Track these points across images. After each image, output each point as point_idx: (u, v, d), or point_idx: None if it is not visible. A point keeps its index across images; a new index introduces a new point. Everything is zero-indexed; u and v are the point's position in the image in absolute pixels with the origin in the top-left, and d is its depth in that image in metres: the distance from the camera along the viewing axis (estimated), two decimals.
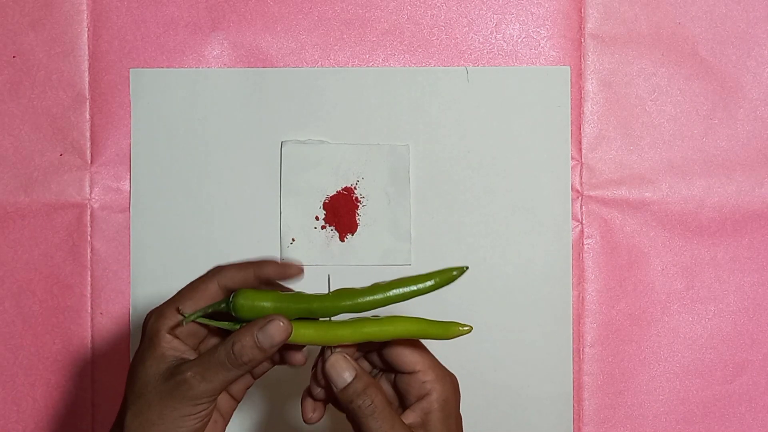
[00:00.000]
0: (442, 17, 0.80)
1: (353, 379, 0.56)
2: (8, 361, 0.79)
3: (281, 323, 0.55)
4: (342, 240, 0.79)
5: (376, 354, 0.60)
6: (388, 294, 0.57)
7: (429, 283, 0.57)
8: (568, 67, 0.80)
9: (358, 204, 0.80)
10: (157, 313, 0.57)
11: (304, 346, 0.58)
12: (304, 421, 0.59)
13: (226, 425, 0.59)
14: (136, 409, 0.55)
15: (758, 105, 0.80)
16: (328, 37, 0.80)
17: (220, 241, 0.79)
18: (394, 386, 0.60)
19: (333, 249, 0.79)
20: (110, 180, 0.80)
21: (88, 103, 0.80)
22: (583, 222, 0.80)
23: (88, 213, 0.80)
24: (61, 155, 0.80)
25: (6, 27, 0.80)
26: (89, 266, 0.80)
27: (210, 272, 0.59)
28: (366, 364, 0.60)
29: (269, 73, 0.80)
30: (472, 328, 0.58)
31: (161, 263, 0.79)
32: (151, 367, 0.56)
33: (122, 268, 0.80)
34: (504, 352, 0.79)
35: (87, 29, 0.80)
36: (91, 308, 0.79)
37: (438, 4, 0.80)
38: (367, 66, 0.80)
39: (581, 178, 0.80)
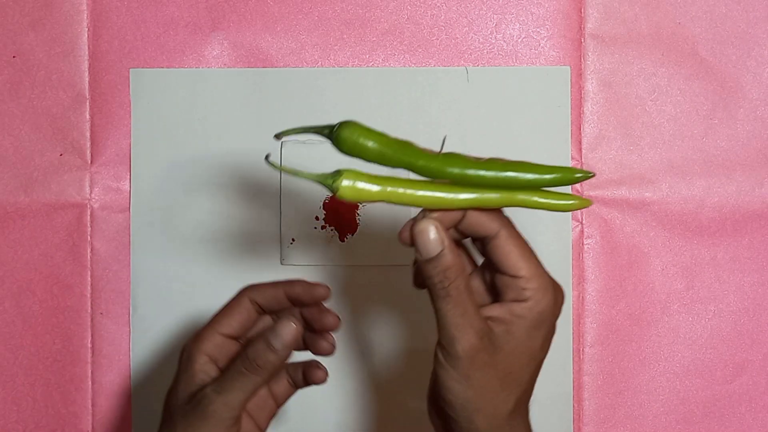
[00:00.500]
0: (442, 17, 0.80)
1: (437, 254, 0.52)
2: (8, 361, 0.79)
3: (291, 324, 0.54)
4: (342, 240, 0.79)
5: (478, 247, 0.55)
6: (501, 174, 0.52)
7: (549, 177, 0.53)
8: (568, 67, 0.80)
9: (358, 204, 0.80)
10: (194, 337, 0.57)
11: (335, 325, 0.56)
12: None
13: None
14: (165, 430, 0.56)
15: (758, 105, 0.80)
16: (328, 37, 0.80)
17: (221, 241, 0.79)
18: (492, 280, 0.55)
19: (333, 249, 0.79)
20: (110, 180, 0.80)
21: (88, 103, 0.80)
22: (583, 222, 0.80)
23: (88, 213, 0.80)
24: (61, 155, 0.80)
25: (6, 27, 0.80)
26: (89, 266, 0.80)
27: (241, 292, 0.59)
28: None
29: (269, 73, 0.80)
30: (592, 202, 0.54)
31: (161, 263, 0.79)
32: (183, 391, 0.56)
33: (122, 268, 0.80)
34: None
35: (87, 29, 0.80)
36: (91, 308, 0.79)
37: (438, 4, 0.80)
38: (367, 66, 0.80)
39: None
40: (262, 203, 0.80)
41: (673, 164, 0.80)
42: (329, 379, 0.59)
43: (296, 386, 0.61)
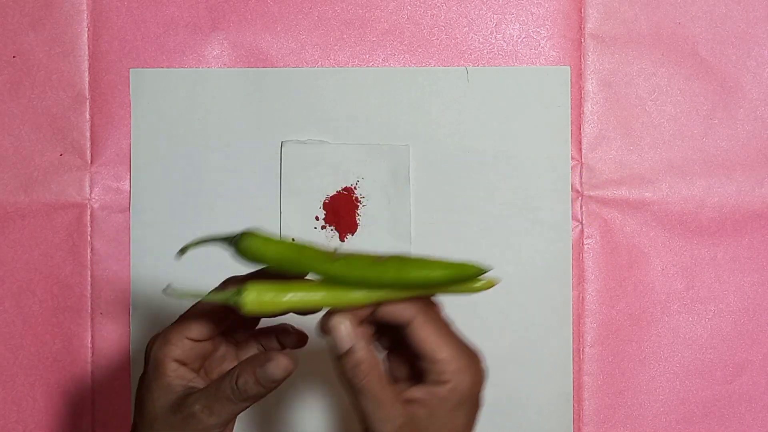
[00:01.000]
0: (442, 17, 0.80)
1: (348, 350, 0.52)
2: (8, 361, 0.79)
3: (282, 361, 0.53)
4: (342, 240, 0.79)
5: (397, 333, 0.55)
6: (400, 276, 0.52)
7: (441, 274, 0.53)
8: (568, 67, 0.80)
9: (358, 204, 0.80)
10: (162, 340, 0.56)
11: (313, 311, 0.55)
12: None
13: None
14: None
15: (758, 105, 0.80)
16: (328, 37, 0.80)
17: None
18: (411, 360, 0.55)
19: (333, 249, 0.79)
20: (110, 180, 0.80)
21: (88, 103, 0.80)
22: (583, 222, 0.80)
23: (88, 213, 0.80)
24: (61, 155, 0.80)
25: (6, 27, 0.80)
26: (89, 266, 0.80)
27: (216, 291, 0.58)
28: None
29: (269, 73, 0.80)
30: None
31: (161, 263, 0.79)
32: (159, 398, 0.55)
33: (122, 268, 0.80)
34: (504, 352, 0.79)
35: (87, 29, 0.80)
36: (91, 308, 0.79)
37: (438, 4, 0.80)
38: (367, 66, 0.80)
39: (581, 178, 0.80)
40: (262, 203, 0.80)
41: (673, 164, 0.80)
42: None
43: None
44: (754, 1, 0.79)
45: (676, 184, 0.80)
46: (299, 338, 0.59)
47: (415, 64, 0.80)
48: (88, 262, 0.80)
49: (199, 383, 0.56)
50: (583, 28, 0.80)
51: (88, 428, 0.79)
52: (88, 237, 0.80)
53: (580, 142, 0.80)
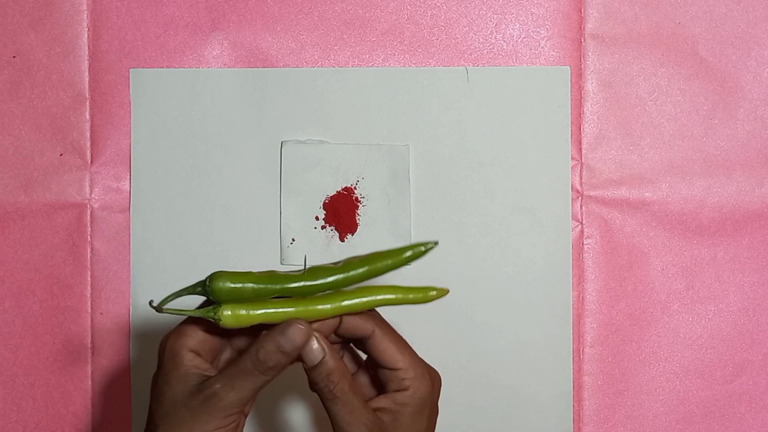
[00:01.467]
0: (442, 17, 0.80)
1: (320, 361, 0.57)
2: (8, 361, 0.79)
3: (301, 326, 0.56)
4: (342, 240, 0.79)
5: (358, 347, 0.61)
6: (362, 270, 0.58)
7: (403, 256, 0.59)
8: (568, 67, 0.80)
9: (358, 204, 0.80)
10: (176, 333, 0.58)
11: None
12: None
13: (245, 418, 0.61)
14: (166, 427, 0.56)
15: (758, 105, 0.80)
16: (328, 37, 0.80)
17: (220, 241, 0.79)
18: (375, 374, 0.61)
19: (333, 249, 0.79)
20: (110, 180, 0.80)
21: (88, 103, 0.80)
22: (583, 222, 0.80)
23: (88, 213, 0.80)
24: (61, 155, 0.80)
25: (6, 27, 0.80)
26: (89, 266, 0.80)
27: None
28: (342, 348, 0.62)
29: (269, 73, 0.80)
30: (448, 290, 0.59)
31: (161, 263, 0.79)
32: (178, 385, 0.57)
33: (122, 268, 0.80)
34: (504, 352, 0.79)
35: (87, 29, 0.80)
36: (91, 308, 0.80)
37: (438, 4, 0.80)
38: (367, 66, 0.80)
39: (581, 178, 0.80)
40: (262, 203, 0.80)
41: (673, 164, 0.80)
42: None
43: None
44: (754, 1, 0.80)
45: (676, 184, 0.80)
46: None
47: (415, 64, 0.80)
48: (88, 262, 0.80)
49: (213, 373, 0.58)
50: (583, 28, 0.80)
51: (88, 428, 0.79)
52: (88, 237, 0.80)
53: (580, 142, 0.80)
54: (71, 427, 0.79)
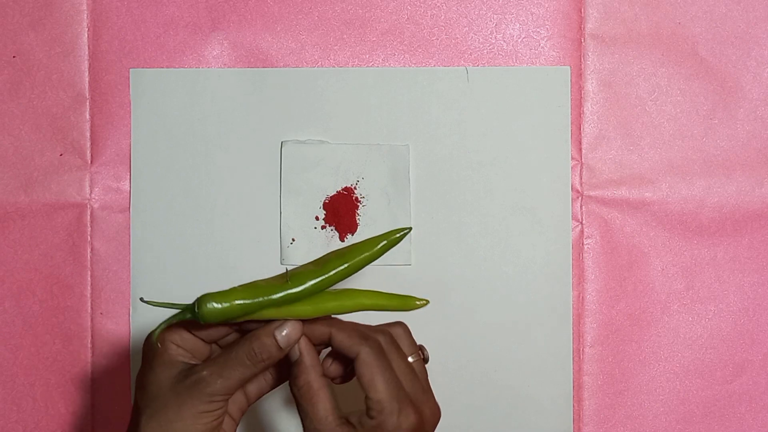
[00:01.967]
0: (442, 17, 0.80)
1: (296, 359, 0.57)
2: (8, 361, 0.79)
3: (297, 325, 0.57)
4: (342, 240, 0.79)
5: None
6: (342, 268, 0.58)
7: (379, 247, 0.59)
8: (568, 67, 0.80)
9: (358, 204, 0.80)
10: (161, 329, 0.58)
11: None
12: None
13: (237, 426, 0.61)
14: (152, 412, 0.56)
15: (758, 105, 0.80)
16: (328, 37, 0.80)
17: (220, 241, 0.79)
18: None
19: (333, 249, 0.79)
20: (110, 180, 0.80)
21: (88, 103, 0.80)
22: (583, 222, 0.80)
23: (88, 213, 0.80)
24: (61, 155, 0.80)
25: (6, 27, 0.80)
26: (89, 266, 0.80)
27: None
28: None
29: (269, 73, 0.80)
30: (428, 301, 0.59)
31: (161, 263, 0.79)
32: (163, 372, 0.57)
33: (122, 268, 0.80)
34: (504, 352, 0.79)
35: (87, 29, 0.80)
36: (91, 308, 0.79)
37: (438, 4, 0.80)
38: (367, 66, 0.80)
39: (581, 178, 0.80)
40: (262, 203, 0.80)
41: (673, 164, 0.80)
42: None
43: (278, 382, 0.62)
44: (754, 1, 0.79)
45: (676, 184, 0.80)
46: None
47: (415, 64, 0.80)
48: (88, 262, 0.80)
49: (199, 363, 0.58)
50: (583, 28, 0.80)
51: (88, 428, 0.79)
52: (88, 237, 0.80)
53: (580, 142, 0.80)
54: (71, 427, 0.79)
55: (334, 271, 0.58)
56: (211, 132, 0.80)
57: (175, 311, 0.57)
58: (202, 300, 0.56)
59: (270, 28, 0.80)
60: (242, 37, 0.80)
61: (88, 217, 0.80)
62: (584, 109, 0.80)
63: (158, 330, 0.57)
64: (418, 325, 0.78)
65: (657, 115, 0.80)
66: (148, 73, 0.80)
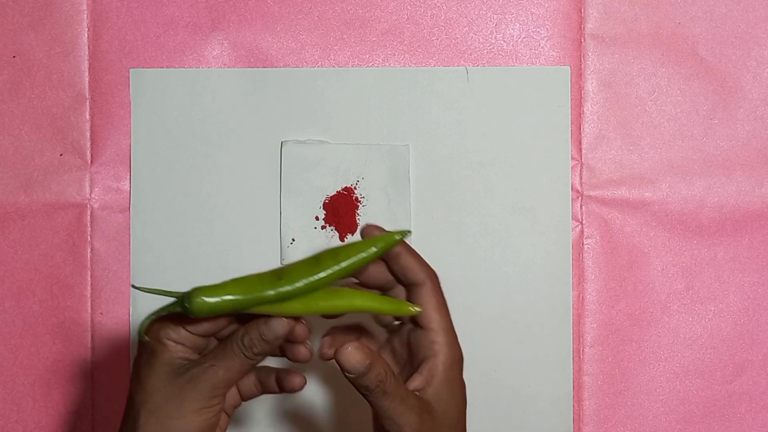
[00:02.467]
0: (442, 17, 0.80)
1: (367, 370, 0.56)
2: (8, 361, 0.79)
3: (283, 319, 0.56)
4: (342, 240, 0.79)
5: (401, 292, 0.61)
6: (336, 268, 0.57)
7: (373, 250, 0.58)
8: (568, 67, 0.80)
9: (358, 204, 0.80)
10: (158, 324, 0.58)
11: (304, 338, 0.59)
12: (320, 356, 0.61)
13: (228, 422, 0.61)
14: (152, 407, 0.56)
15: (758, 105, 0.80)
16: (328, 37, 0.80)
17: (220, 241, 0.79)
18: (407, 340, 0.61)
19: None
20: (110, 180, 0.80)
21: (88, 103, 0.80)
22: (583, 222, 0.80)
23: (88, 213, 0.80)
24: (61, 155, 0.80)
25: (6, 27, 0.80)
26: (89, 266, 0.80)
27: None
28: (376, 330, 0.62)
29: (269, 73, 0.80)
30: (422, 309, 0.59)
31: (161, 263, 0.79)
32: (162, 367, 0.57)
33: (122, 268, 0.80)
34: (504, 352, 0.79)
35: (87, 29, 0.80)
36: (91, 308, 0.80)
37: (438, 4, 0.80)
38: (367, 66, 0.80)
39: (581, 178, 0.80)
40: (262, 203, 0.80)
41: (673, 164, 0.80)
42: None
43: (265, 390, 0.61)
44: (754, 1, 0.79)
45: (676, 184, 0.80)
46: (299, 381, 0.61)
47: (415, 64, 0.80)
48: (88, 262, 0.80)
49: (196, 358, 0.58)
50: (583, 28, 0.80)
51: (88, 428, 0.79)
52: (88, 237, 0.80)
53: (580, 142, 0.80)
54: (71, 426, 0.79)
55: (326, 273, 0.57)
56: (211, 132, 0.80)
57: (167, 302, 0.57)
58: (192, 294, 0.55)
59: (270, 28, 0.80)
60: (242, 37, 0.80)
61: (88, 217, 0.80)
62: (584, 109, 0.80)
63: (147, 321, 0.56)
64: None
65: (657, 115, 0.80)
66: (148, 73, 0.80)
